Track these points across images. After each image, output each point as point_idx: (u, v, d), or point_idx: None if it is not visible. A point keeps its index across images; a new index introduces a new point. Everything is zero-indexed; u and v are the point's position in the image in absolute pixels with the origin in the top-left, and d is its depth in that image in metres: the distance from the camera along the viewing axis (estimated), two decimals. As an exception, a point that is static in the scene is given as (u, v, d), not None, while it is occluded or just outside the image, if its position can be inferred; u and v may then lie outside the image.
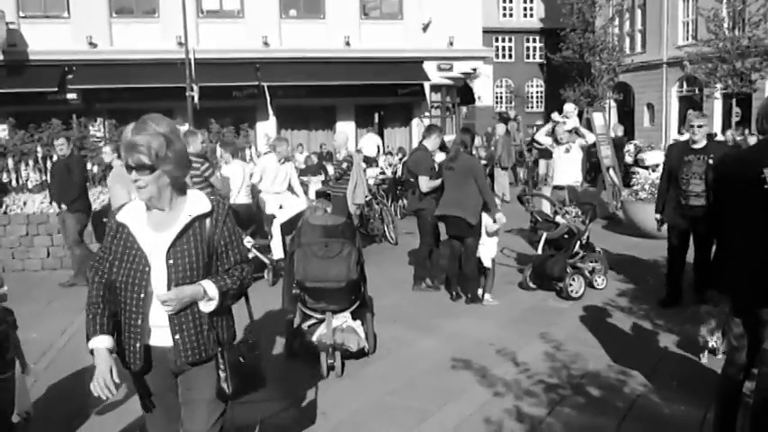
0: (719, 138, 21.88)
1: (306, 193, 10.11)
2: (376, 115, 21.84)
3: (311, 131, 22.44)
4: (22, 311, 7.21)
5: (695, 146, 6.70)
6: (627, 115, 35.63)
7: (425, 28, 22.11)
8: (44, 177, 10.44)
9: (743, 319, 3.60)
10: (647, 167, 15.07)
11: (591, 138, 10.27)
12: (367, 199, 10.35)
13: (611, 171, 13.37)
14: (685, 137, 7.51)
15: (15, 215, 9.55)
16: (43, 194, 9.99)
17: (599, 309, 6.89)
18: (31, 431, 4.35)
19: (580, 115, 14.44)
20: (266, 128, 20.75)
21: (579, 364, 5.26)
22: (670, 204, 6.89)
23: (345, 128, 20.77)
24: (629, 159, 16.17)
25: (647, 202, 10.62)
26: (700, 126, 6.73)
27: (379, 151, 17.29)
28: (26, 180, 10.35)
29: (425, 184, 7.62)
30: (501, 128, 16.98)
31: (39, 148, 10.55)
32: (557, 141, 10.00)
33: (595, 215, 8.31)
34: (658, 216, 7.12)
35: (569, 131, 9.89)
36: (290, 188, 9.32)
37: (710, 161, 6.28)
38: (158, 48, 19.77)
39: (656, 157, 15.41)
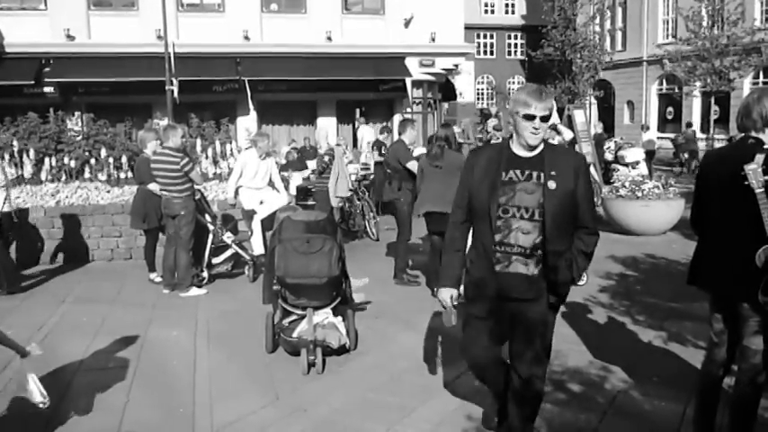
0: (649, 137, 21.90)
1: (286, 188, 10.04)
2: (357, 111, 21.79)
3: (292, 126, 22.37)
4: (-3, 307, 7.13)
5: (524, 153, 3.42)
6: (607, 112, 35.91)
7: (407, 23, 22.09)
8: (20, 172, 10.28)
9: (723, 315, 3.62)
10: (626, 164, 15.22)
11: (568, 135, 10.32)
12: (349, 194, 10.31)
13: (591, 168, 13.45)
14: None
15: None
16: (19, 189, 9.83)
17: (580, 305, 6.90)
18: (7, 430, 4.28)
19: (561, 112, 14.51)
20: (247, 123, 20.63)
21: (560, 360, 5.26)
22: (474, 271, 3.53)
23: (326, 123, 20.76)
24: (609, 156, 16.30)
25: (628, 200, 10.71)
26: (545, 117, 3.33)
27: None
28: (2, 174, 10.18)
29: (416, 166, 7.67)
30: (492, 123, 17.03)
31: (15, 142, 10.39)
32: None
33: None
34: (449, 299, 3.63)
35: (549, 128, 9.95)
36: (271, 183, 9.26)
37: (552, 184, 3.30)
38: (137, 41, 19.56)
39: (636, 154, 15.57)
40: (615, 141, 17.28)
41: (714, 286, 3.62)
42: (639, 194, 10.63)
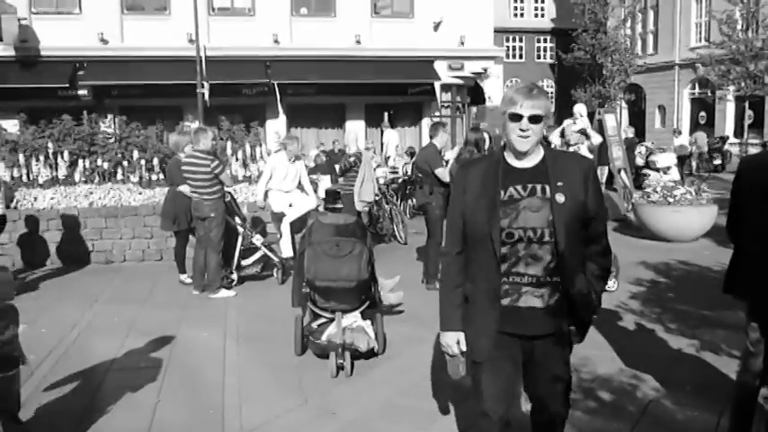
0: (681, 142, 21.42)
1: (315, 191, 10.08)
2: (386, 114, 21.81)
3: (321, 130, 22.47)
4: (30, 306, 7.26)
5: (522, 163, 2.83)
6: (638, 116, 35.52)
7: (436, 27, 22.07)
8: (55, 173, 10.46)
9: (760, 324, 3.56)
10: (657, 170, 15.02)
11: (596, 139, 10.23)
12: (377, 198, 10.32)
13: (622, 173, 13.30)
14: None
15: (26, 210, 9.58)
16: (53, 190, 10.00)
17: (610, 311, 6.82)
18: (41, 427, 4.35)
19: (591, 116, 14.40)
20: (276, 126, 20.77)
21: (590, 368, 5.20)
22: (475, 309, 2.88)
23: (355, 126, 20.79)
24: (639, 161, 16.10)
25: (659, 205, 10.57)
26: (534, 118, 2.74)
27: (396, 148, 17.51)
28: (37, 176, 10.36)
29: (445, 174, 7.69)
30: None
31: (50, 144, 10.57)
32: (567, 144, 9.98)
33: (606, 217, 8.25)
34: (455, 345, 2.98)
35: (578, 132, 9.86)
36: (300, 186, 9.31)
37: (560, 197, 2.73)
38: (169, 45, 19.80)
39: (667, 159, 15.35)
40: (646, 146, 17.08)
41: (751, 295, 3.56)
42: (671, 200, 10.48)
